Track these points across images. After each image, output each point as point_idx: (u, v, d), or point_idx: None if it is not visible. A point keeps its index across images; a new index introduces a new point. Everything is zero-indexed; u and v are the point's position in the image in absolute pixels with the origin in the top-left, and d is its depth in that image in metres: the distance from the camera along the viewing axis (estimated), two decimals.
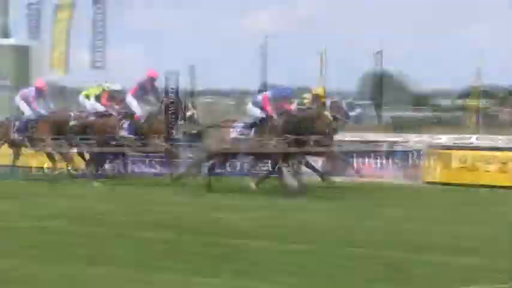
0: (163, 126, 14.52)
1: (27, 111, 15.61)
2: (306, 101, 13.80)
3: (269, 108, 13.00)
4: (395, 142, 15.06)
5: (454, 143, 16.65)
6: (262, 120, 13.15)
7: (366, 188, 13.73)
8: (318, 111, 12.90)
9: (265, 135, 12.92)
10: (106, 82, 16.41)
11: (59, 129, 15.28)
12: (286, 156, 12.77)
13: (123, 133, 14.82)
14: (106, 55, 20.47)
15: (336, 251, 7.54)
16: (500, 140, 15.17)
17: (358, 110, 14.67)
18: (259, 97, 13.39)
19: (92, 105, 15.92)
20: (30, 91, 15.88)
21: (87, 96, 16.17)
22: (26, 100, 15.70)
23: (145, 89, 14.87)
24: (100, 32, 20.50)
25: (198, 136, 14.33)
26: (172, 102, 14.56)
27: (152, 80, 14.94)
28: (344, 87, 24.07)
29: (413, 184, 14.74)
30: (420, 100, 27.34)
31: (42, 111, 15.63)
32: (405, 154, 14.93)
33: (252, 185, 13.30)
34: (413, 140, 15.35)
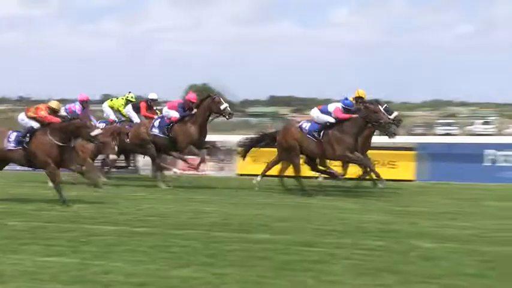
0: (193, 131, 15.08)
1: None
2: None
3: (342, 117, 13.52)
4: (216, 142, 16.18)
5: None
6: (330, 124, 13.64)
7: (203, 180, 15.49)
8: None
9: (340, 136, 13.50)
10: (130, 92, 16.80)
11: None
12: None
13: (155, 131, 15.30)
14: None
15: (175, 232, 8.49)
16: None
17: (395, 114, 14.73)
18: (330, 109, 13.67)
19: (128, 112, 16.40)
20: (75, 105, 15.91)
21: (112, 107, 16.68)
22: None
23: (183, 109, 15.31)
24: None
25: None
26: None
27: (190, 103, 15.35)
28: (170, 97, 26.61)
29: (229, 176, 16.79)
30: (234, 107, 30.40)
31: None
32: (223, 152, 16.44)
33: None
34: (229, 140, 17.10)
